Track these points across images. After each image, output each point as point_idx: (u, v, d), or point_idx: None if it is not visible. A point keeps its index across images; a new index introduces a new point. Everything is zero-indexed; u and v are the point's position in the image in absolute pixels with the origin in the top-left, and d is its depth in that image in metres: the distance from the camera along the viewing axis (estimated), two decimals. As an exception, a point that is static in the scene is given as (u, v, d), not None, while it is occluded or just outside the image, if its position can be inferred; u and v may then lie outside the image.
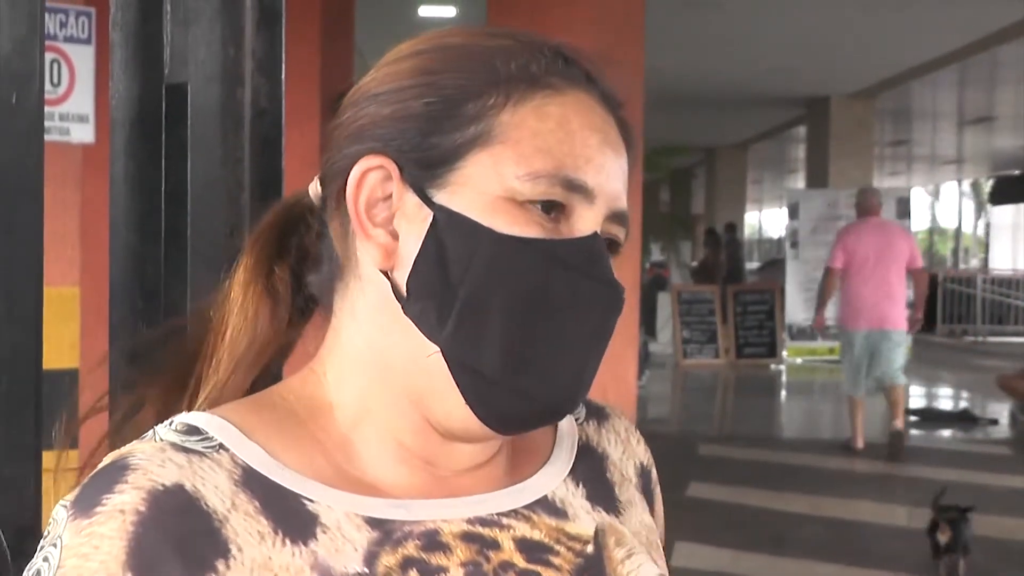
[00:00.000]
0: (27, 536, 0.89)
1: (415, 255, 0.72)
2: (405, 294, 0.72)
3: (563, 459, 0.82)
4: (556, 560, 0.74)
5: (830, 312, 8.30)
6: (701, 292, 13.25)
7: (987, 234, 29.11)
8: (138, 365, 0.85)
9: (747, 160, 20.77)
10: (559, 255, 0.71)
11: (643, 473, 0.88)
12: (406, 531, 0.71)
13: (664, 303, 13.69)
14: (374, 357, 0.75)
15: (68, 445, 0.83)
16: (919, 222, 27.96)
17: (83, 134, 3.79)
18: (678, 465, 7.05)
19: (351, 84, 0.78)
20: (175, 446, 0.70)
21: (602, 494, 0.82)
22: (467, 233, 0.71)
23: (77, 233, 3.67)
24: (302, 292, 0.81)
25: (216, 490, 0.68)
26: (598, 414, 0.89)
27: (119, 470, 0.67)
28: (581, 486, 0.81)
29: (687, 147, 17.34)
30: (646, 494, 0.87)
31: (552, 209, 0.72)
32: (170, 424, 0.72)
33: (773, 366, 12.79)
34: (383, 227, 0.74)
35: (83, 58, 3.75)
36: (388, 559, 0.69)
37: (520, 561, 0.72)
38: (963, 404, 10.68)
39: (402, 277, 0.73)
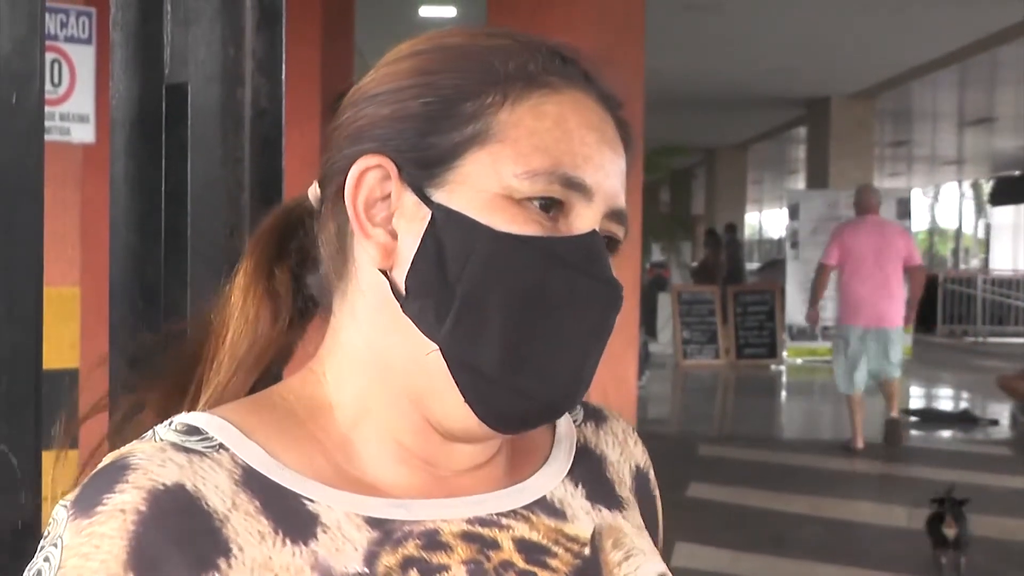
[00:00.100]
0: (27, 536, 0.89)
1: (414, 254, 0.72)
2: (404, 293, 0.72)
3: (562, 460, 0.82)
4: (554, 562, 0.74)
5: (829, 312, 8.31)
6: (701, 292, 13.25)
7: (987, 235, 29.10)
8: (139, 369, 0.85)
9: (747, 161, 20.77)
10: (557, 253, 0.71)
11: (639, 475, 0.88)
12: (406, 531, 0.71)
13: (664, 303, 13.70)
14: (373, 357, 0.75)
15: (68, 445, 0.83)
16: (919, 223, 27.97)
17: (83, 134, 3.79)
18: (678, 465, 7.05)
19: (351, 84, 0.78)
20: (175, 446, 0.70)
21: (602, 492, 0.83)
22: (465, 231, 0.71)
23: (77, 233, 3.67)
24: (302, 294, 0.81)
25: (217, 490, 0.68)
26: (596, 416, 0.89)
27: (119, 470, 0.67)
28: (580, 486, 0.81)
29: (687, 148, 17.33)
30: (642, 496, 0.87)
31: (551, 207, 0.72)
32: (170, 424, 0.72)
33: (773, 366, 12.79)
34: (382, 226, 0.74)
35: (84, 58, 3.75)
36: (388, 559, 0.69)
37: (519, 561, 0.72)
38: (963, 405, 10.68)
39: (401, 276, 0.73)
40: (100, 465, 0.69)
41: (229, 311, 0.79)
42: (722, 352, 12.81)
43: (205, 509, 0.67)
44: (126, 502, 0.65)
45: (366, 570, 0.68)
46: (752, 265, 21.95)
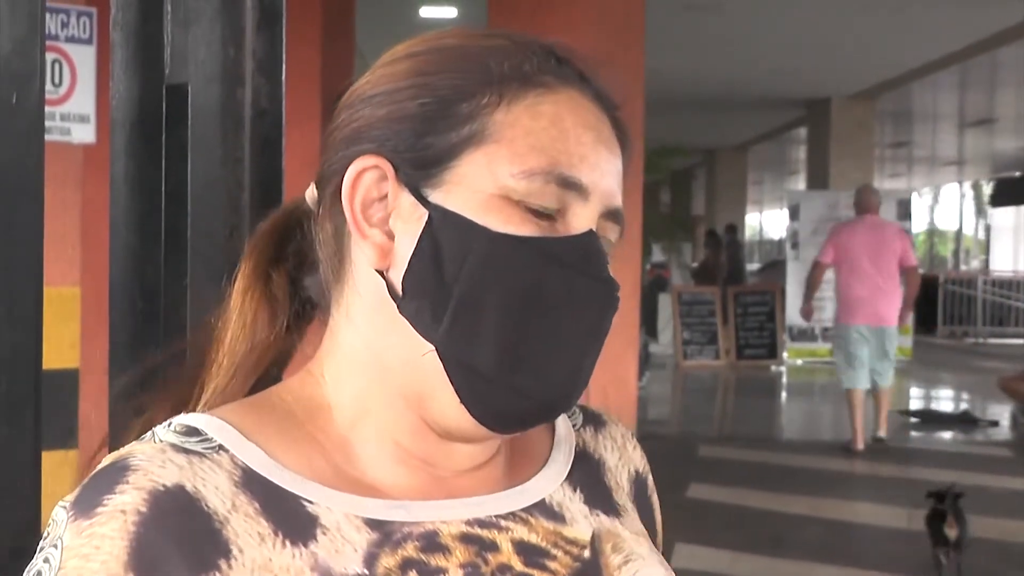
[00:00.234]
0: (27, 536, 0.89)
1: (411, 254, 0.72)
2: (401, 293, 0.72)
3: (561, 463, 0.82)
4: (553, 564, 0.74)
5: (828, 313, 8.32)
6: (702, 293, 13.25)
7: (988, 236, 29.10)
8: (145, 387, 0.85)
9: (747, 161, 20.77)
10: (554, 253, 0.71)
11: (638, 480, 0.88)
12: (405, 532, 0.71)
13: (665, 304, 13.70)
14: (371, 357, 0.75)
15: (68, 445, 0.83)
16: (920, 223, 27.96)
17: (84, 134, 3.79)
18: (678, 466, 7.05)
19: (350, 85, 0.79)
20: (175, 447, 0.70)
21: (600, 498, 0.82)
22: (462, 232, 0.71)
23: (77, 233, 3.67)
24: (299, 296, 0.82)
25: (217, 491, 0.69)
26: (595, 421, 0.89)
27: (119, 471, 0.67)
28: (579, 490, 0.81)
29: (687, 148, 17.34)
30: (640, 501, 0.87)
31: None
32: (169, 425, 0.72)
33: (773, 367, 12.79)
34: (379, 227, 0.74)
35: (84, 58, 3.75)
36: (388, 560, 0.69)
37: (518, 564, 0.72)
38: (963, 406, 10.68)
39: (398, 276, 0.73)
40: (100, 466, 0.69)
41: (228, 315, 0.80)
42: (722, 353, 12.81)
43: (205, 510, 0.67)
44: (126, 503, 0.65)
45: (365, 571, 0.68)
46: (752, 266, 21.95)
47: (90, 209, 3.60)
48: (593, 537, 0.78)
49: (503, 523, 0.74)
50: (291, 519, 0.69)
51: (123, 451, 0.70)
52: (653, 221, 12.84)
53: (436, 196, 0.72)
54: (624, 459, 0.88)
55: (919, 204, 27.91)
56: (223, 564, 0.66)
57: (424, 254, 0.72)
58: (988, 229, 28.97)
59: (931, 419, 9.50)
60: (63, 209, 3.57)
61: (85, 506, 0.66)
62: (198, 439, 0.71)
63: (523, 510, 0.76)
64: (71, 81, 3.74)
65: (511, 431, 0.75)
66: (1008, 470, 7.49)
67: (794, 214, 12.98)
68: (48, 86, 3.60)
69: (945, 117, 16.17)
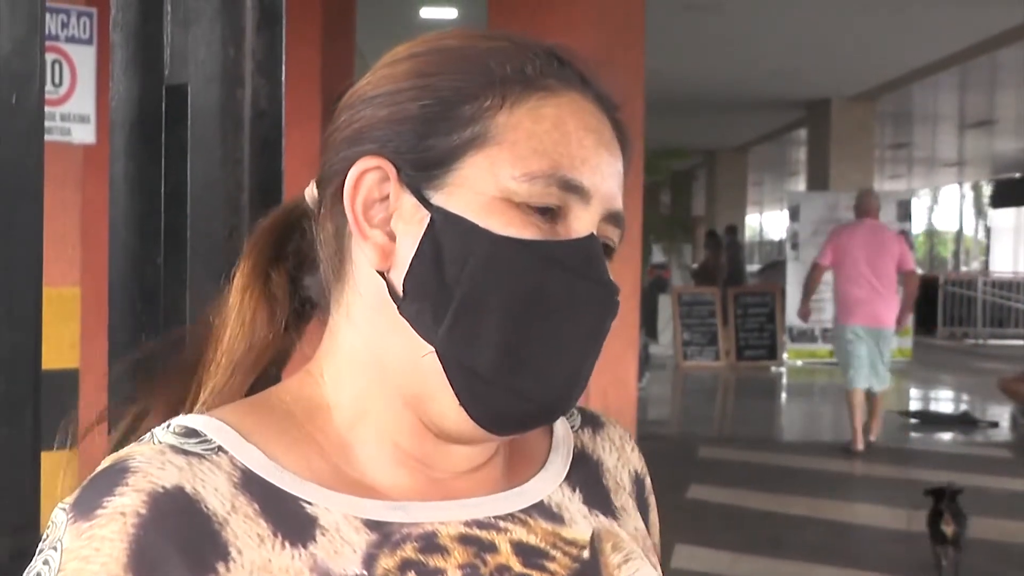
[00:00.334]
0: (26, 537, 0.89)
1: (412, 256, 0.72)
2: (401, 294, 0.72)
3: (559, 464, 0.82)
4: (552, 565, 0.74)
5: (828, 314, 8.35)
6: (702, 294, 13.25)
7: (988, 237, 29.10)
8: (141, 378, 0.85)
9: (748, 162, 20.77)
10: (555, 256, 0.71)
11: (637, 481, 0.88)
12: (404, 533, 0.71)
13: (665, 305, 13.70)
14: (370, 358, 0.75)
15: (68, 446, 0.83)
16: (919, 225, 27.97)
17: (84, 134, 3.79)
18: (678, 467, 7.06)
19: (351, 86, 0.78)
20: (174, 448, 0.70)
21: (599, 498, 0.83)
22: (464, 234, 0.71)
23: (77, 233, 3.67)
24: (299, 295, 0.81)
25: (216, 492, 0.68)
26: (593, 422, 0.89)
27: (119, 472, 0.67)
28: (577, 491, 0.81)
29: (688, 150, 17.35)
30: (639, 502, 0.87)
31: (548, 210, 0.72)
32: (168, 427, 0.72)
33: (773, 368, 12.79)
34: (380, 228, 0.74)
35: (84, 58, 3.75)
36: (387, 561, 0.69)
37: (516, 565, 0.72)
38: (963, 407, 10.68)
39: (399, 278, 0.73)
40: (99, 468, 0.69)
41: (227, 313, 0.79)
42: (722, 354, 12.81)
43: (205, 512, 0.67)
44: (126, 505, 0.65)
45: (364, 572, 0.68)
46: (752, 267, 21.96)
47: (90, 209, 3.60)
48: (593, 536, 0.78)
49: (502, 524, 0.74)
50: (290, 520, 0.69)
51: (122, 453, 0.70)
52: (653, 222, 12.85)
53: (438, 198, 0.72)
54: (623, 460, 0.88)
55: (919, 205, 27.91)
56: (222, 565, 0.66)
57: (425, 256, 0.72)
58: (988, 230, 28.97)
59: (931, 420, 9.51)
60: (63, 209, 3.57)
61: (85, 508, 0.66)
62: (197, 440, 0.71)
63: (522, 511, 0.76)
64: (71, 81, 3.74)
65: (510, 433, 0.75)
66: (1008, 471, 7.50)
67: (794, 215, 12.99)
68: (48, 86, 3.60)
69: (945, 118, 16.17)
